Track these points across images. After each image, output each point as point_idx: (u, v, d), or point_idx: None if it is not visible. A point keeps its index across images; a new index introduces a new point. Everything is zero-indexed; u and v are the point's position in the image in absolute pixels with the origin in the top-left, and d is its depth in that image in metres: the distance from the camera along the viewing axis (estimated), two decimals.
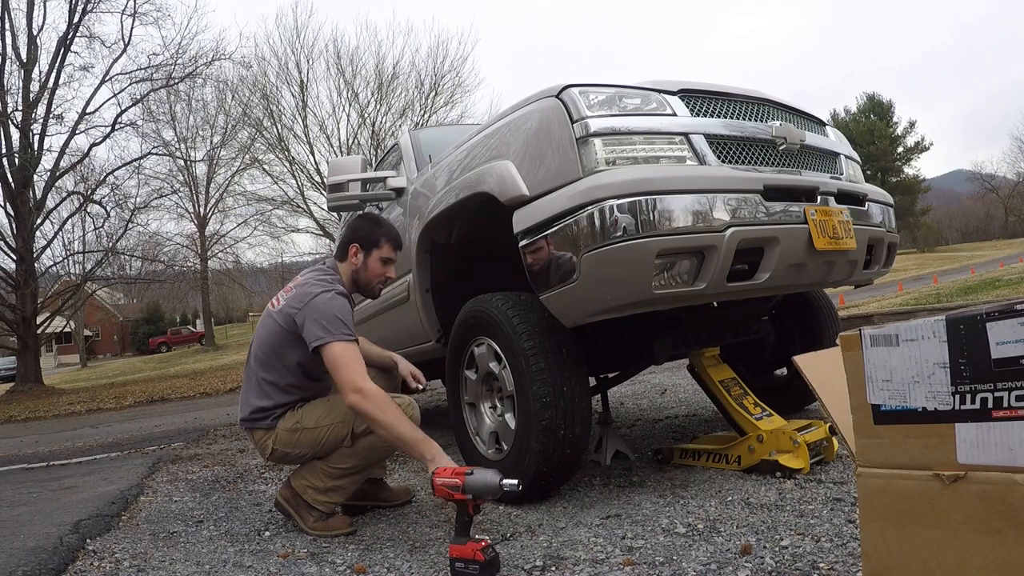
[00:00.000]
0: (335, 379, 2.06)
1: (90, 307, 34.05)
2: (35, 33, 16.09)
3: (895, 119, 45.00)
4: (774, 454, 2.30)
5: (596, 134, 1.99)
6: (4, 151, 15.59)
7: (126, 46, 17.01)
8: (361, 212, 2.51)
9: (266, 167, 22.60)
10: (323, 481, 2.23)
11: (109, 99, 18.68)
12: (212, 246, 26.71)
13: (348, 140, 21.09)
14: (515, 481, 1.67)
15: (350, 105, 21.29)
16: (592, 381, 2.95)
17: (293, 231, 24.83)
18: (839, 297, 11.75)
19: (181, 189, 24.44)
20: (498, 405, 2.44)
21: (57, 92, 16.34)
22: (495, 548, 1.67)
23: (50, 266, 18.46)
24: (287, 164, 21.79)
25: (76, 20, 16.36)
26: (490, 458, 2.40)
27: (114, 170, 18.24)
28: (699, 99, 2.24)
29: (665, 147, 2.07)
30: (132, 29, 17.22)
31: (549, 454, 2.16)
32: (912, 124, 45.02)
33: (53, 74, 16.21)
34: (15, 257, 15.98)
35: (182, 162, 23.63)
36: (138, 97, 17.96)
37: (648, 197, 1.90)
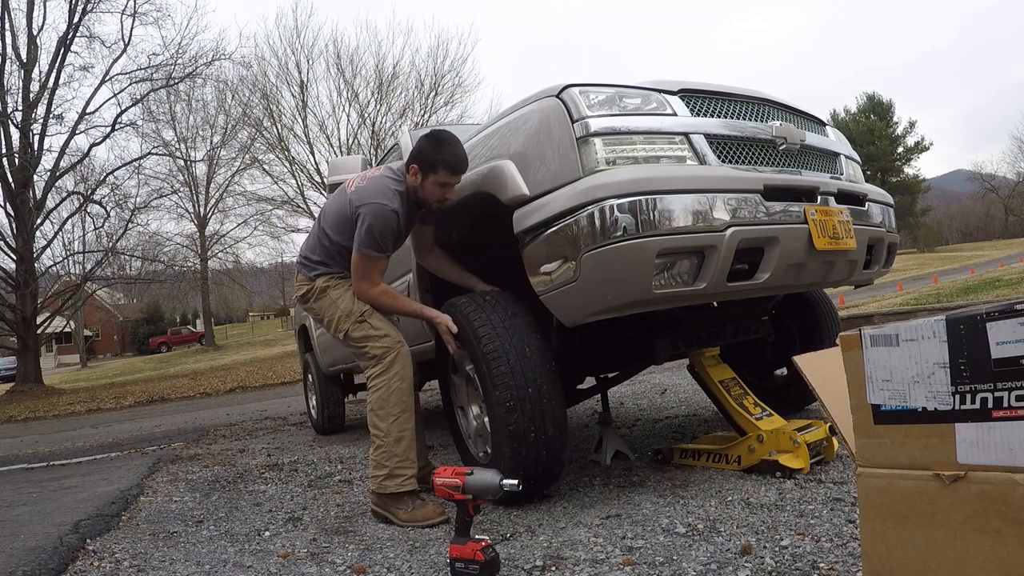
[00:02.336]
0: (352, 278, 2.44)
1: (90, 307, 34.07)
2: (35, 33, 16.11)
3: (895, 119, 45.00)
4: (774, 454, 2.30)
5: (596, 134, 1.99)
6: (4, 151, 15.60)
7: (126, 46, 17.04)
8: (431, 130, 2.52)
9: (266, 167, 22.61)
10: (380, 462, 2.30)
11: (109, 99, 18.70)
12: (212, 246, 26.72)
13: (348, 140, 21.10)
14: (515, 481, 1.67)
15: (350, 105, 21.31)
16: (592, 381, 2.96)
17: (293, 231, 24.83)
18: (839, 297, 11.75)
19: (181, 189, 24.46)
20: (481, 408, 2.44)
21: (57, 92, 16.38)
22: (495, 548, 1.67)
23: (50, 266, 18.48)
24: (287, 164, 21.80)
25: (76, 20, 16.38)
26: (481, 461, 2.41)
27: (114, 170, 18.27)
28: (699, 99, 2.24)
29: (665, 147, 2.07)
30: (132, 29, 17.25)
31: (522, 458, 2.13)
32: (912, 124, 45.03)
33: (53, 74, 16.23)
34: (15, 257, 15.99)
35: (182, 162, 23.65)
36: (138, 97, 17.98)
37: (648, 197, 1.90)
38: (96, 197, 17.80)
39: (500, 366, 2.14)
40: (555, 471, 2.23)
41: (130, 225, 19.35)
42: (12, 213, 15.93)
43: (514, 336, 2.18)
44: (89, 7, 16.43)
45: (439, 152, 2.33)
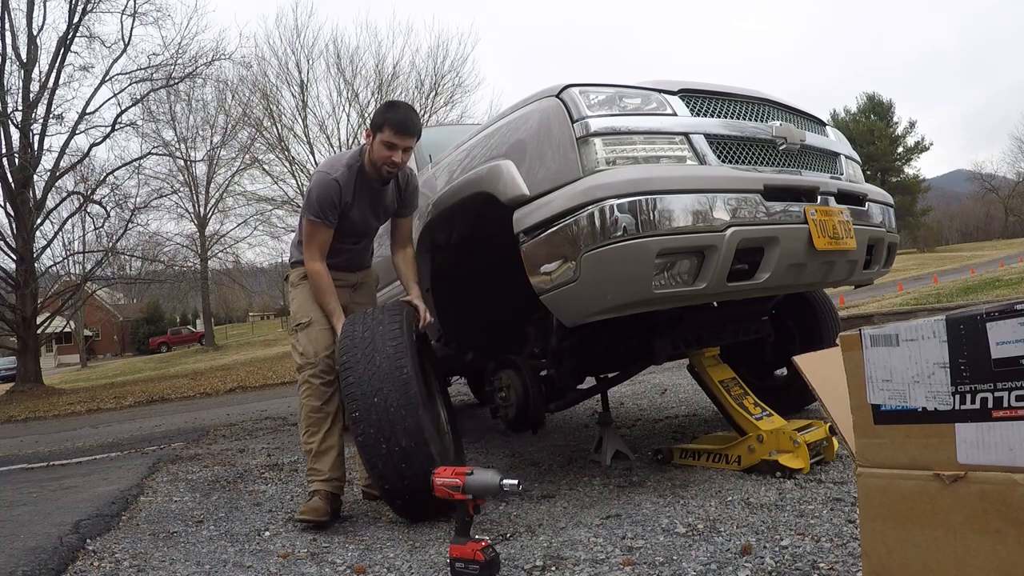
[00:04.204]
0: None
1: (90, 307, 34.05)
2: (35, 33, 16.10)
3: (895, 119, 44.96)
4: (774, 454, 2.29)
5: (596, 134, 1.99)
6: (4, 151, 15.59)
7: (126, 46, 17.02)
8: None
9: (266, 167, 22.58)
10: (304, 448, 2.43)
11: (109, 99, 18.68)
12: (212, 246, 26.70)
13: (348, 140, 21.08)
14: (515, 481, 1.67)
15: (350, 105, 21.30)
16: (592, 381, 2.96)
17: (293, 231, 24.74)
18: (839, 297, 11.75)
19: (181, 189, 24.44)
20: None
21: (57, 92, 16.35)
22: (495, 548, 1.67)
23: (50, 266, 18.47)
24: (287, 164, 21.78)
25: (76, 20, 16.37)
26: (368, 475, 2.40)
27: (114, 170, 18.25)
28: (699, 99, 2.24)
29: (665, 147, 2.07)
30: (132, 29, 17.21)
31: (380, 471, 2.08)
32: (912, 124, 44.99)
33: (53, 74, 16.21)
34: (15, 257, 15.98)
35: (182, 162, 23.63)
36: (138, 97, 17.97)
37: (648, 197, 1.90)
38: (96, 197, 17.79)
39: (348, 376, 2.13)
40: (422, 485, 1.96)
41: (130, 225, 19.34)
42: (12, 213, 15.92)
43: (367, 346, 2.16)
44: (89, 7, 16.42)
45: (386, 112, 2.39)
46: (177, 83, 18.47)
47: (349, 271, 2.67)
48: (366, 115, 21.21)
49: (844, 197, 2.42)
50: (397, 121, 2.36)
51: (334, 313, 2.44)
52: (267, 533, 2.29)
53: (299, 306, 2.53)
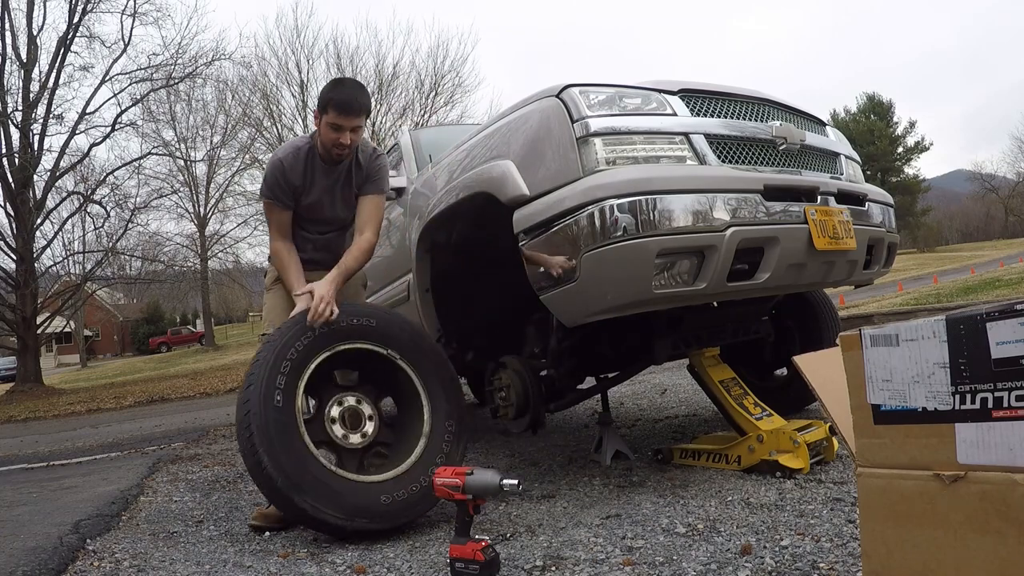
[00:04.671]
0: None
1: (90, 307, 34.05)
2: (35, 33, 16.09)
3: (895, 119, 44.97)
4: (774, 454, 2.29)
5: (596, 134, 1.99)
6: (4, 151, 15.58)
7: (126, 46, 17.01)
8: None
9: (266, 167, 22.55)
10: None
11: (109, 99, 18.66)
12: (212, 246, 26.69)
13: None
14: (515, 481, 1.67)
15: None
16: (592, 381, 2.96)
17: None
18: (839, 297, 11.75)
19: (181, 189, 24.43)
20: None
21: (57, 92, 16.34)
22: (495, 548, 1.67)
23: (50, 266, 18.47)
24: None
25: (76, 20, 16.36)
26: None
27: (114, 170, 18.24)
28: (699, 99, 2.24)
29: (665, 147, 2.07)
30: (132, 29, 17.18)
31: (267, 490, 2.02)
32: (912, 124, 45.00)
33: (53, 74, 16.20)
34: (15, 257, 15.97)
35: (182, 162, 23.62)
36: (138, 97, 17.96)
37: (648, 197, 1.90)
38: (96, 197, 17.78)
39: (245, 392, 2.09)
40: (285, 511, 2.05)
41: (130, 225, 19.33)
42: (12, 213, 15.91)
43: (269, 364, 2.09)
44: (89, 7, 16.41)
45: (330, 91, 2.32)
46: (177, 83, 18.46)
47: (322, 266, 2.53)
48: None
49: (844, 197, 2.42)
50: (340, 101, 2.27)
51: (293, 288, 2.38)
52: (267, 533, 2.29)
53: (266, 315, 2.53)
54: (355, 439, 2.24)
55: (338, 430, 2.23)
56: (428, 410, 2.30)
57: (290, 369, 2.13)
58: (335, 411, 2.25)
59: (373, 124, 21.13)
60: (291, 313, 2.29)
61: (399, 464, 2.19)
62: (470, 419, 2.29)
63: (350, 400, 2.28)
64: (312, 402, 2.28)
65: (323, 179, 2.45)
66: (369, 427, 2.28)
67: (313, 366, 2.19)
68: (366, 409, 2.30)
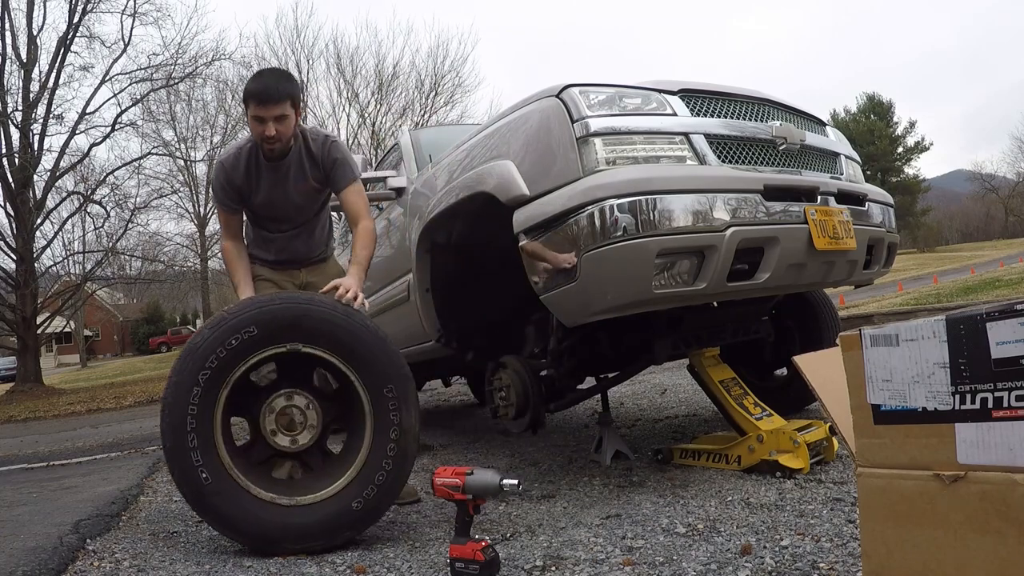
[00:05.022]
0: None
1: (90, 307, 34.03)
2: (35, 33, 16.08)
3: (895, 119, 44.98)
4: (774, 454, 2.29)
5: (596, 134, 1.99)
6: (4, 151, 15.57)
7: (126, 46, 16.99)
8: None
9: None
10: None
11: (109, 99, 18.64)
12: (212, 246, 26.68)
13: (348, 140, 21.07)
14: (515, 481, 1.67)
15: (350, 105, 21.28)
16: (592, 381, 2.96)
17: None
18: (839, 297, 11.75)
19: (181, 189, 24.41)
20: None
21: (57, 92, 16.32)
22: (495, 548, 1.67)
23: (50, 266, 18.46)
24: None
25: (76, 20, 16.35)
26: None
27: (114, 170, 18.22)
28: (699, 99, 2.24)
29: (665, 147, 2.07)
30: (132, 29, 17.16)
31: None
32: (912, 124, 45.01)
33: (53, 74, 16.19)
34: (15, 257, 15.96)
35: (182, 162, 23.61)
36: (138, 97, 17.95)
37: (648, 197, 1.90)
38: (96, 197, 17.77)
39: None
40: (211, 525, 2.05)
41: (130, 225, 19.31)
42: (12, 213, 15.90)
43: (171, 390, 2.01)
44: (89, 7, 16.40)
45: (249, 84, 2.24)
46: (177, 83, 18.45)
47: (292, 265, 2.48)
48: (366, 115, 21.22)
49: (844, 197, 2.42)
50: (257, 92, 2.17)
51: (238, 286, 2.34)
52: None
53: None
54: (304, 439, 2.08)
55: (281, 439, 2.07)
56: (370, 426, 2.04)
57: (206, 389, 1.97)
58: (270, 421, 2.07)
59: (373, 124, 21.15)
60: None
61: (330, 485, 2.02)
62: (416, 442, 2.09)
63: (280, 401, 2.07)
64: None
65: (270, 176, 2.34)
66: (313, 420, 2.08)
67: (237, 376, 2.01)
68: (300, 401, 2.08)
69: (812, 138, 2.48)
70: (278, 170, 2.33)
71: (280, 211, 2.42)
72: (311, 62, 21.21)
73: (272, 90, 2.18)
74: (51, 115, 16.25)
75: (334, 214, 2.99)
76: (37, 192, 16.49)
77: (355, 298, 2.09)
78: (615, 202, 1.89)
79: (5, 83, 15.61)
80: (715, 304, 2.67)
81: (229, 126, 22.90)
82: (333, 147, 2.35)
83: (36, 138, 16.07)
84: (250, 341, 2.00)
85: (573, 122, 2.02)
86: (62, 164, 16.84)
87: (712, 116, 2.23)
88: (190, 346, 2.02)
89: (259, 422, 2.08)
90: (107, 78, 17.10)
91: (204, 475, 1.96)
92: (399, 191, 3.17)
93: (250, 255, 2.49)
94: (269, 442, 2.08)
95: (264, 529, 1.98)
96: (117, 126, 17.19)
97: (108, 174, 18.09)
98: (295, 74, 20.85)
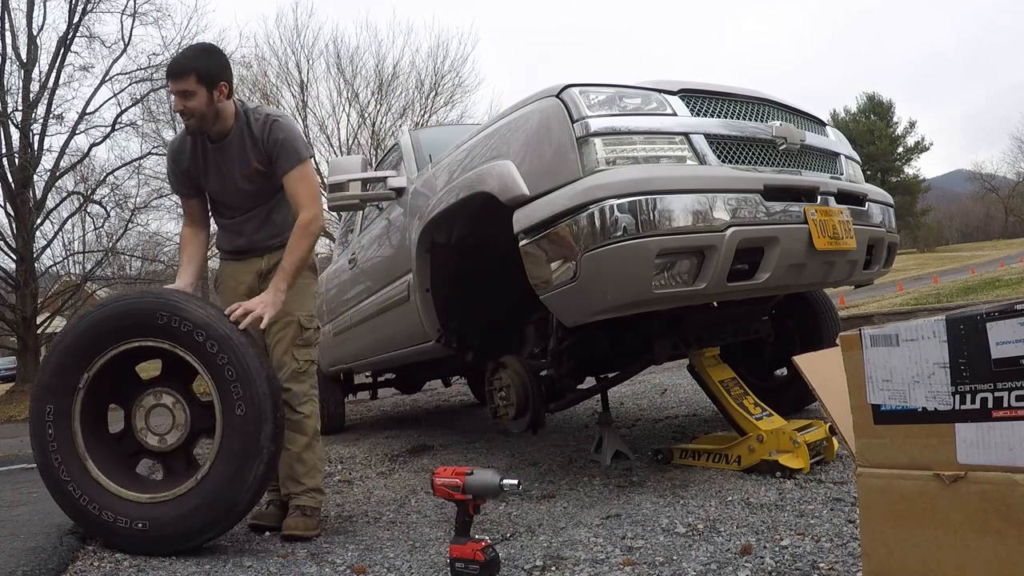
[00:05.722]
0: None
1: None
2: (35, 33, 16.07)
3: (895, 119, 44.98)
4: (774, 454, 2.29)
5: (596, 134, 1.99)
6: (4, 151, 15.58)
7: (126, 46, 16.99)
8: None
9: None
10: None
11: (109, 99, 18.61)
12: (212, 246, 26.67)
13: (348, 140, 21.06)
14: (515, 481, 1.67)
15: (350, 105, 21.26)
16: (592, 381, 2.96)
17: None
18: (839, 297, 11.75)
19: None
20: None
21: (57, 92, 16.31)
22: (495, 548, 1.67)
23: (50, 266, 18.46)
24: None
25: (76, 20, 16.34)
26: None
27: (114, 170, 18.21)
28: (699, 99, 2.24)
29: (665, 147, 2.07)
30: (132, 29, 17.14)
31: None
32: (912, 124, 45.01)
33: (53, 74, 16.18)
34: (15, 257, 15.97)
35: None
36: (138, 97, 17.93)
37: (648, 197, 1.90)
38: (96, 197, 17.77)
39: None
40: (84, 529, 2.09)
41: (130, 225, 19.31)
42: (12, 213, 15.91)
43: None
44: (89, 7, 16.39)
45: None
46: None
47: (252, 254, 2.36)
48: (366, 115, 21.21)
49: (844, 197, 2.42)
50: (170, 67, 2.15)
51: (179, 271, 2.30)
52: (267, 533, 2.29)
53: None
54: (171, 439, 2.08)
55: (151, 438, 2.09)
56: (220, 426, 1.99)
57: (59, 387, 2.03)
58: (140, 417, 2.09)
59: (373, 124, 21.16)
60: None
61: (180, 484, 2.01)
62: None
63: (150, 400, 2.09)
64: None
65: (216, 158, 2.26)
66: (181, 420, 2.07)
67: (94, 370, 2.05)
68: (168, 400, 2.08)
69: (812, 138, 2.48)
70: (222, 152, 2.25)
71: (231, 196, 2.33)
72: (311, 62, 21.20)
73: (175, 64, 2.14)
74: (51, 115, 16.25)
75: (334, 213, 2.96)
76: (37, 192, 16.49)
77: (255, 320, 2.04)
78: (615, 202, 1.89)
79: (5, 83, 15.61)
80: (715, 304, 2.67)
81: None
82: (274, 127, 2.21)
83: (36, 138, 16.07)
84: (82, 351, 2.07)
85: (573, 122, 2.02)
86: (62, 164, 16.83)
87: (712, 116, 2.23)
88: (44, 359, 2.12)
89: (131, 416, 2.13)
90: (107, 78, 17.09)
91: (64, 475, 2.05)
92: (399, 191, 3.17)
93: (218, 248, 2.48)
94: (137, 438, 2.12)
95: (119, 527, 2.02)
96: (117, 126, 17.20)
97: (108, 174, 18.09)
98: (295, 74, 20.89)
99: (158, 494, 2.03)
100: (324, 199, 3.13)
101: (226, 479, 1.97)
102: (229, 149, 2.24)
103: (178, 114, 2.21)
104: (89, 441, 2.07)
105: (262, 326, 2.07)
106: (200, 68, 2.12)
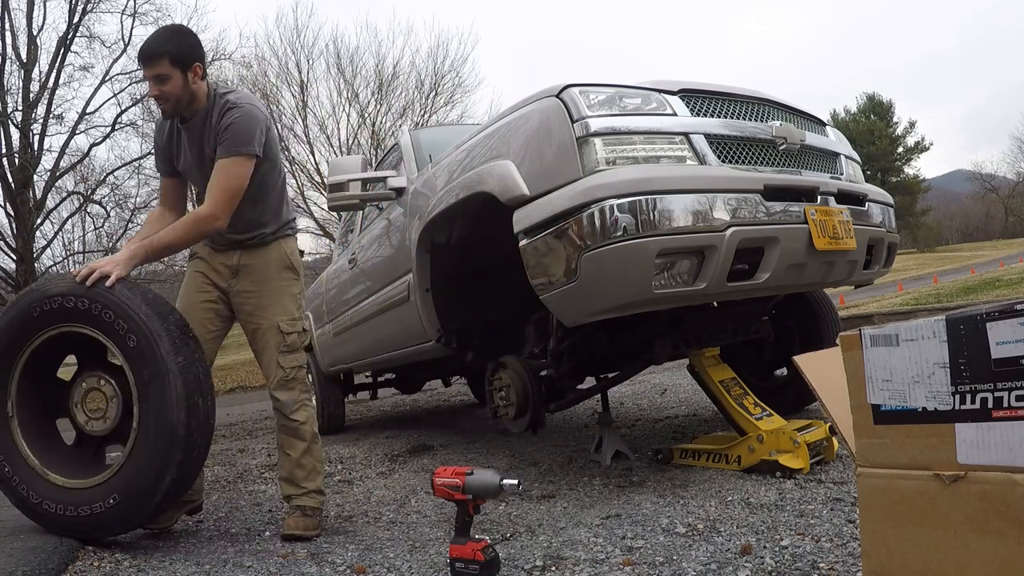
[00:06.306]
0: None
1: None
2: (35, 33, 16.07)
3: (895, 119, 44.98)
4: (774, 454, 2.29)
5: (596, 134, 1.99)
6: (4, 151, 15.58)
7: (126, 46, 16.96)
8: None
9: None
10: None
11: (109, 99, 18.60)
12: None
13: (348, 140, 21.05)
14: (515, 481, 1.67)
15: (350, 105, 21.25)
16: (592, 381, 2.96)
17: None
18: (839, 297, 11.75)
19: None
20: None
21: (57, 92, 16.30)
22: (495, 548, 1.67)
23: (50, 266, 18.43)
24: (287, 164, 21.72)
25: (76, 20, 16.34)
26: None
27: (114, 170, 18.19)
28: (699, 99, 2.24)
29: (665, 147, 2.07)
30: (132, 29, 17.13)
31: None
32: (912, 124, 45.02)
33: (53, 74, 16.18)
34: (15, 257, 15.97)
35: None
36: (138, 97, 17.92)
37: (648, 197, 1.90)
38: (96, 197, 17.78)
39: None
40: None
41: (130, 225, 19.28)
42: (12, 213, 15.91)
43: None
44: (89, 7, 16.39)
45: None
46: None
47: (226, 247, 2.29)
48: (366, 115, 21.20)
49: (844, 197, 2.42)
50: (140, 51, 2.10)
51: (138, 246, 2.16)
52: (267, 533, 2.29)
53: None
54: (98, 426, 2.13)
55: (81, 417, 2.16)
56: (137, 418, 2.02)
57: None
58: (78, 408, 2.16)
59: (373, 124, 21.15)
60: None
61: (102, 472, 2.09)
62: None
63: (89, 382, 2.15)
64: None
65: (187, 139, 2.22)
66: (112, 410, 2.11)
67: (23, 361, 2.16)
68: (93, 381, 2.14)
69: (812, 138, 2.48)
70: (190, 133, 2.21)
71: (198, 180, 2.27)
72: (311, 62, 21.18)
73: (147, 48, 2.09)
74: (51, 115, 16.25)
75: (334, 213, 2.94)
76: (37, 192, 16.49)
77: (101, 277, 2.01)
78: (615, 202, 1.89)
79: (5, 83, 15.61)
80: (715, 304, 2.67)
81: None
82: (229, 113, 2.12)
83: (36, 138, 16.07)
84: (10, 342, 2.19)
85: (573, 122, 2.02)
86: (62, 164, 16.83)
87: (712, 116, 2.23)
88: None
89: (71, 412, 2.19)
90: (107, 78, 17.09)
91: (6, 468, 2.16)
92: (399, 191, 3.17)
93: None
94: (81, 428, 2.18)
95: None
96: (117, 126, 17.18)
97: (108, 174, 18.08)
98: (295, 74, 20.89)
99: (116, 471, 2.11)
100: (325, 200, 3.12)
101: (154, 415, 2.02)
102: (192, 131, 2.20)
103: (153, 100, 2.18)
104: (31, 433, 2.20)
105: (108, 284, 2.02)
106: (173, 50, 2.08)
